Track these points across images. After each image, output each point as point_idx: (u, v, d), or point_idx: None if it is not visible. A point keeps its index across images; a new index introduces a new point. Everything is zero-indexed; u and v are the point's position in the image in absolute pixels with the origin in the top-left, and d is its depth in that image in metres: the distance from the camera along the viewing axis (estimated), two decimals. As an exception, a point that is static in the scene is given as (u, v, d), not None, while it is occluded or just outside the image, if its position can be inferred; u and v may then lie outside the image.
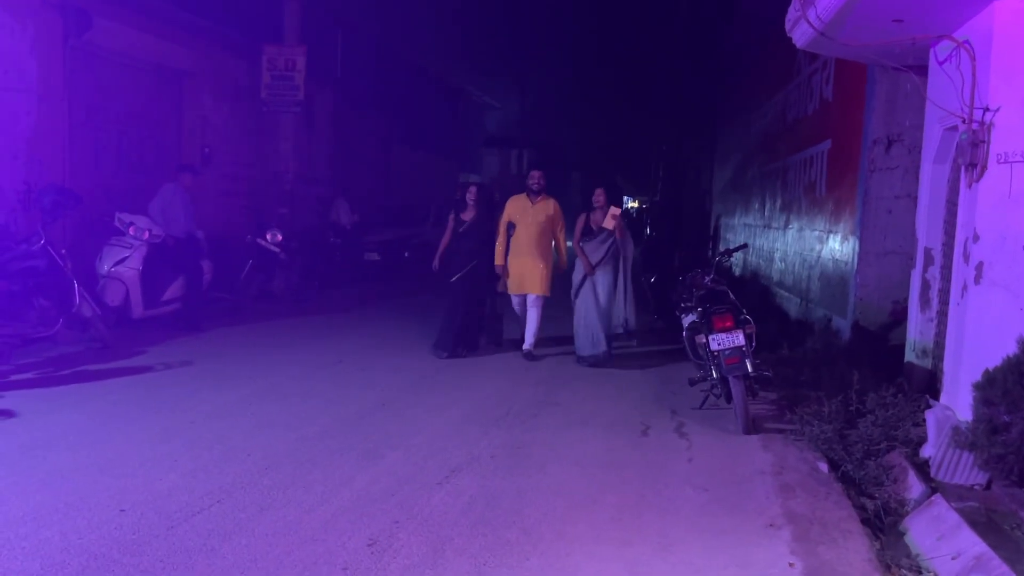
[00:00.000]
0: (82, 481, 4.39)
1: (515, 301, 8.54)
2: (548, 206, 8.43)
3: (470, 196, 8.49)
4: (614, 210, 8.16)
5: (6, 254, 7.11)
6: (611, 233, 8.10)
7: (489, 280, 8.60)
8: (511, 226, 8.38)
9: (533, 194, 8.41)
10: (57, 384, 6.51)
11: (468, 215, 8.44)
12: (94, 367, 7.10)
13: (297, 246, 12.03)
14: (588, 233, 8.23)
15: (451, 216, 8.54)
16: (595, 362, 8.05)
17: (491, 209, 8.78)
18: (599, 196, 8.25)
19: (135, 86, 10.80)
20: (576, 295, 8.21)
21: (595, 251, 8.16)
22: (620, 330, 8.36)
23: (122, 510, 4.04)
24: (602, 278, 8.15)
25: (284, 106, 13.22)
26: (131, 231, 8.56)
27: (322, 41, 15.46)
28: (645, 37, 28.58)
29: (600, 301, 8.10)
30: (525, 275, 8.31)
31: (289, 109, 13.27)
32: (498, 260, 8.42)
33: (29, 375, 6.73)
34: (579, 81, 33.86)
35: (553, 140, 33.80)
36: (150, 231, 8.67)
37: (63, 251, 7.51)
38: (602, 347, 8.07)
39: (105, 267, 8.41)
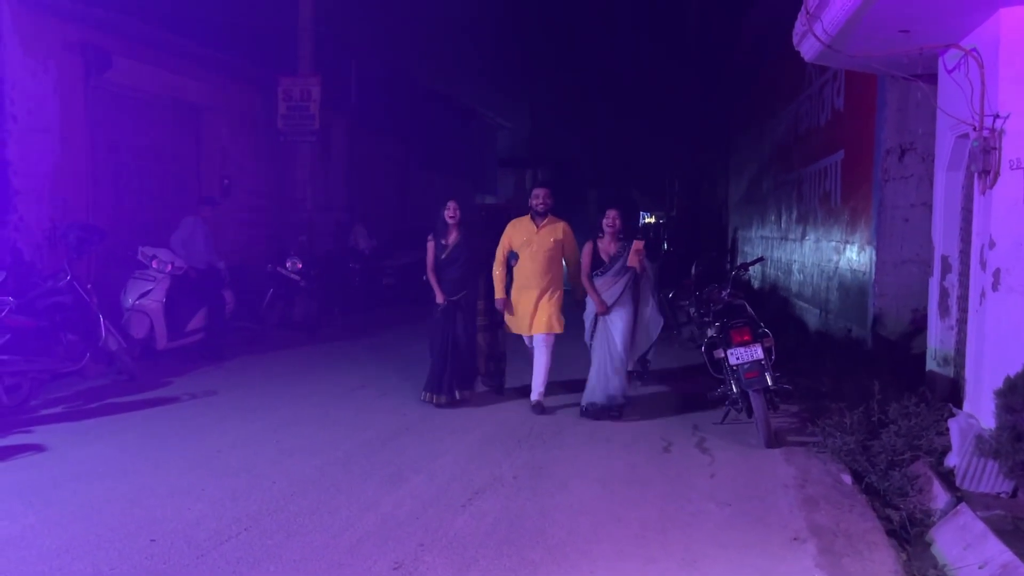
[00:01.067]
0: (113, 513, 4.47)
1: (525, 340, 7.22)
2: (556, 230, 7.01)
3: (449, 215, 7.06)
4: (638, 244, 6.86)
5: (34, 291, 7.26)
6: (626, 264, 6.79)
7: (489, 314, 7.35)
8: (513, 255, 7.04)
9: (538, 216, 7.00)
10: (86, 417, 6.62)
11: (450, 237, 7.10)
12: (121, 399, 7.21)
13: (317, 273, 12.15)
14: (599, 265, 6.83)
15: (429, 240, 7.17)
16: (601, 412, 6.72)
17: (483, 228, 7.72)
18: (612, 219, 6.83)
19: (155, 121, 11.01)
20: (591, 337, 6.93)
21: (609, 287, 6.78)
22: (632, 368, 7.22)
23: (152, 540, 4.11)
24: (618, 318, 6.76)
25: (300, 135, 13.40)
26: (154, 264, 8.70)
27: (336, 70, 15.68)
28: (657, 53, 28.70)
29: (616, 346, 6.75)
30: (531, 312, 6.96)
31: (305, 138, 13.45)
32: (500, 293, 7.05)
33: (58, 409, 6.85)
34: (592, 98, 33.99)
35: (568, 158, 33.93)
36: (173, 263, 8.81)
37: (89, 286, 7.65)
38: (617, 398, 6.76)
39: (129, 300, 8.54)
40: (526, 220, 7.09)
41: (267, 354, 9.70)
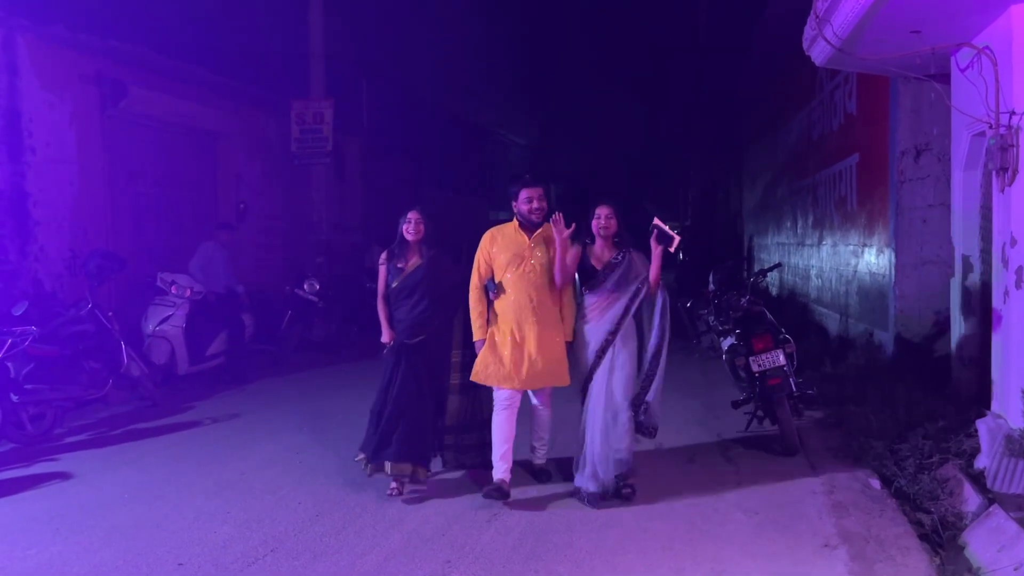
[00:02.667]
0: (140, 537, 4.48)
1: (503, 397, 5.07)
2: (553, 241, 5.04)
3: (408, 229, 5.28)
4: (657, 248, 5.02)
5: (55, 320, 7.33)
6: (629, 276, 5.04)
7: (463, 368, 5.34)
8: (491, 285, 5.13)
9: (530, 225, 5.11)
10: (110, 444, 6.65)
11: (409, 260, 5.32)
12: (145, 425, 7.24)
13: (334, 294, 12.20)
14: (589, 276, 5.09)
15: (382, 262, 5.43)
16: (602, 495, 4.91)
17: (455, 249, 5.70)
18: (604, 220, 5.08)
19: (171, 149, 11.12)
20: (586, 387, 5.05)
21: (602, 311, 5.04)
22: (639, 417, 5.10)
23: (180, 564, 4.11)
24: (624, 353, 5.00)
25: (314, 158, 13.49)
26: (173, 290, 8.77)
27: (348, 92, 15.80)
28: (669, 65, 28.73)
29: (616, 396, 4.97)
30: (526, 357, 4.98)
31: (319, 160, 13.53)
32: (479, 334, 5.11)
33: (83, 436, 6.89)
34: (603, 110, 34.06)
35: (579, 172, 33.97)
36: (192, 289, 8.87)
37: (110, 313, 7.72)
38: (611, 473, 4.93)
39: (150, 326, 8.61)
40: (511, 231, 5.15)
41: (287, 376, 9.73)
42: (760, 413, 6.32)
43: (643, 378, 5.09)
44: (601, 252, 5.15)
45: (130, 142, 10.24)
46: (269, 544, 4.36)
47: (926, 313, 7.40)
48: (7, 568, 4.10)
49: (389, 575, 3.93)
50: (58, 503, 5.11)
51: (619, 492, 4.94)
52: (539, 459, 5.41)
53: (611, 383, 4.98)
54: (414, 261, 5.34)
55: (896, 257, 7.56)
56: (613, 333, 5.01)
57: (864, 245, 8.79)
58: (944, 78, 6.11)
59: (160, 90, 10.43)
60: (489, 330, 5.11)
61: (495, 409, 5.11)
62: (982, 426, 4.96)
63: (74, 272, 8.67)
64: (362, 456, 5.26)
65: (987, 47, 5.22)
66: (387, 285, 5.42)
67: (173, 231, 11.07)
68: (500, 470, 5.01)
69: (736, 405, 6.51)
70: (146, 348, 8.47)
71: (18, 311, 7.10)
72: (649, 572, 3.92)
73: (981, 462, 4.78)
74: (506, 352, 5.02)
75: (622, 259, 5.09)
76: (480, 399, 5.39)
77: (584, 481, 4.94)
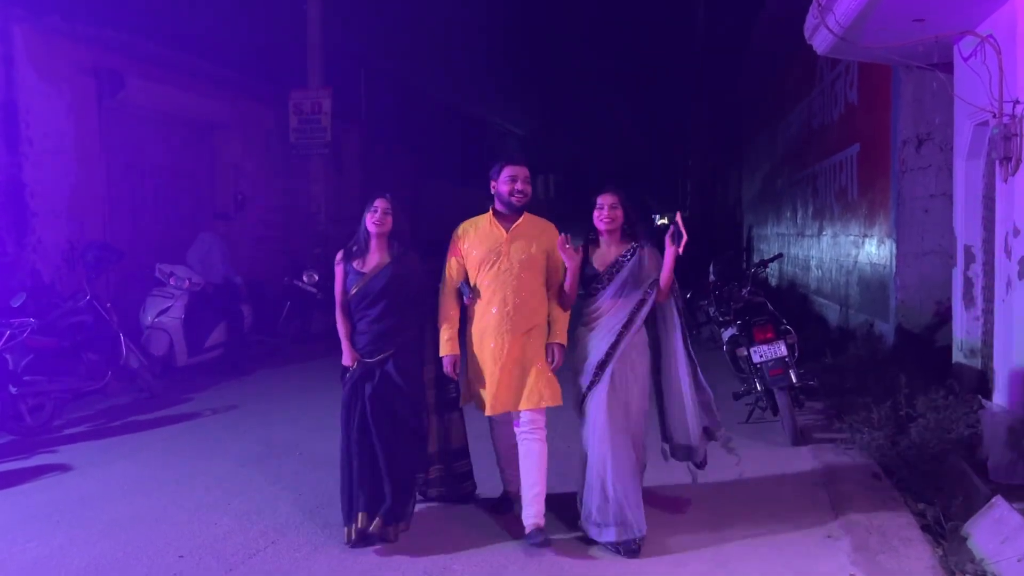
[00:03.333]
0: (140, 529, 4.47)
1: (493, 421, 4.45)
2: (539, 234, 4.33)
3: (373, 220, 4.32)
4: (671, 248, 4.16)
5: (54, 311, 7.30)
6: (637, 279, 4.24)
7: (442, 386, 4.55)
8: (465, 288, 4.36)
9: (509, 212, 4.32)
10: (109, 435, 6.63)
11: (371, 259, 4.37)
12: (144, 417, 7.22)
13: (333, 285, 12.15)
14: (590, 280, 4.29)
15: (338, 264, 4.50)
16: (627, 548, 3.98)
17: (427, 245, 5.19)
18: (609, 210, 4.25)
19: (168, 140, 11.07)
20: (583, 406, 4.21)
21: (605, 318, 4.25)
22: (668, 458, 4.56)
23: (181, 556, 4.10)
24: (631, 373, 4.20)
25: (313, 148, 13.43)
26: (172, 281, 8.73)
27: (346, 82, 15.73)
28: (668, 55, 28.67)
29: (632, 416, 4.19)
30: (506, 375, 4.22)
31: (318, 151, 13.48)
32: (446, 348, 4.33)
33: (82, 428, 6.87)
34: (601, 101, 33.99)
35: (577, 162, 33.91)
36: (190, 280, 8.84)
37: (108, 305, 7.69)
38: (632, 526, 4.01)
39: (148, 318, 8.58)
40: (485, 223, 4.36)
41: (286, 367, 9.70)
42: (761, 404, 6.31)
43: (675, 410, 4.38)
44: (606, 250, 4.30)
45: (128, 133, 10.19)
46: (269, 536, 4.34)
47: (927, 303, 7.39)
48: (7, 561, 4.09)
49: (392, 568, 3.92)
50: (57, 495, 5.09)
51: (627, 548, 3.99)
52: (531, 519, 4.14)
53: (612, 407, 4.11)
54: (379, 261, 4.32)
55: (897, 247, 7.54)
56: (613, 347, 4.15)
57: (865, 235, 8.77)
58: (947, 67, 6.08)
59: (158, 81, 10.37)
60: (470, 345, 4.32)
61: (492, 434, 4.52)
62: (984, 417, 4.94)
63: (72, 263, 8.64)
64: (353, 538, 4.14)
65: (991, 35, 5.19)
66: (345, 291, 4.39)
67: (171, 222, 11.03)
68: (512, 483, 4.45)
69: (737, 396, 6.51)
70: (144, 339, 8.44)
71: (16, 303, 7.08)
72: (652, 562, 3.90)
73: (983, 453, 4.77)
74: (485, 370, 4.24)
75: (629, 257, 4.24)
76: (458, 421, 4.65)
77: (592, 530, 4.07)
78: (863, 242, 8.84)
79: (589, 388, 4.20)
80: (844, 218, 9.73)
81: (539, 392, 4.20)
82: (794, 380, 5.96)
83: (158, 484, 5.29)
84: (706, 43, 24.22)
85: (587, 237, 4.40)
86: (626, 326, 4.20)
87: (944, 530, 4.19)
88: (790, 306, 10.96)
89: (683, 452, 4.47)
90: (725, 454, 5.68)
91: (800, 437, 5.83)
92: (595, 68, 32.72)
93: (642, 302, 4.24)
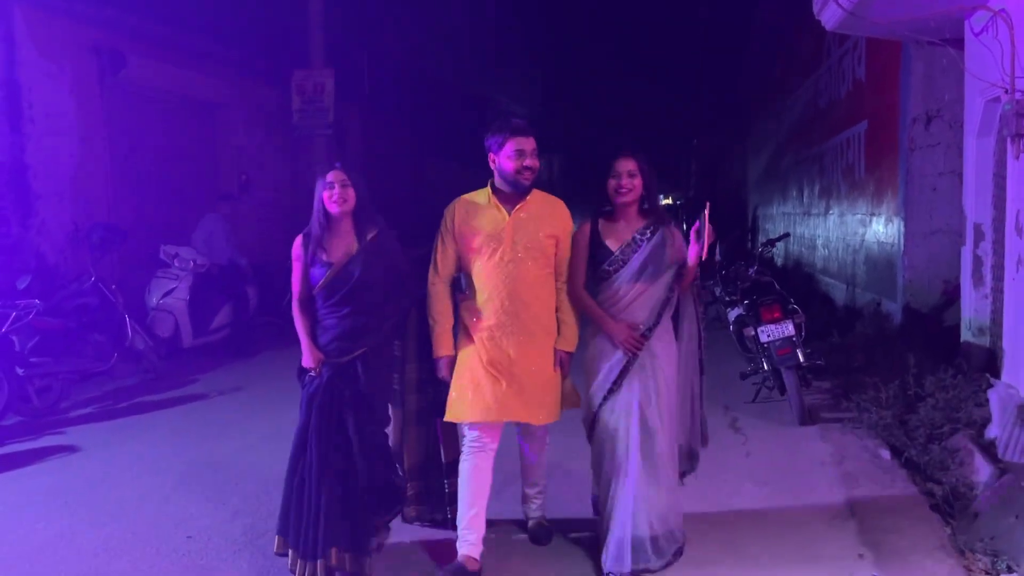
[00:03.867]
0: (148, 511, 4.47)
1: (473, 437, 3.66)
2: (548, 214, 3.71)
3: (330, 197, 3.57)
4: (696, 246, 3.54)
5: (59, 293, 7.30)
6: (660, 262, 3.60)
7: (423, 390, 3.87)
8: (461, 281, 3.83)
9: (514, 192, 3.66)
10: (116, 417, 6.64)
11: (335, 247, 3.63)
12: (150, 398, 7.23)
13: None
14: (602, 260, 3.64)
15: (296, 255, 3.73)
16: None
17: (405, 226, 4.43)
18: (627, 177, 3.58)
19: (171, 120, 11.01)
20: (595, 419, 3.64)
21: (623, 304, 3.62)
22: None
23: (189, 537, 4.10)
24: (658, 375, 3.57)
25: (316, 128, 13.35)
26: (176, 262, 8.72)
27: (348, 62, 15.62)
28: (672, 31, 28.44)
29: (655, 436, 3.53)
30: (507, 378, 3.58)
31: (321, 131, 13.39)
32: (441, 348, 3.70)
33: (89, 409, 6.88)
34: (605, 80, 33.78)
35: (582, 142, 33.74)
36: (195, 261, 8.82)
37: (113, 286, 7.68)
38: (667, 548, 3.57)
39: (154, 299, 8.57)
40: (484, 202, 3.70)
41: (291, 348, 9.60)
42: (768, 383, 6.29)
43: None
44: (621, 226, 3.65)
45: (130, 113, 10.13)
46: (276, 516, 4.33)
47: (935, 282, 7.35)
48: (15, 542, 4.10)
49: (399, 546, 3.91)
50: (65, 476, 5.10)
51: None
52: (535, 511, 3.98)
53: (644, 420, 3.50)
54: (345, 248, 3.60)
55: (905, 226, 7.49)
56: (645, 340, 3.56)
57: (872, 214, 8.71)
58: (958, 42, 6.00)
59: (159, 60, 10.30)
60: (465, 344, 3.66)
61: (463, 454, 3.69)
62: (993, 396, 4.92)
63: (76, 245, 8.61)
64: (281, 541, 3.59)
65: (1003, 10, 5.11)
66: (305, 285, 3.69)
67: (174, 203, 10.99)
68: (466, 543, 3.58)
69: (744, 376, 6.49)
70: (150, 321, 8.44)
71: (22, 284, 7.08)
72: (659, 543, 3.89)
73: (992, 432, 4.75)
74: (478, 376, 3.58)
75: (650, 236, 3.61)
76: (444, 433, 3.93)
77: (613, 566, 3.49)
78: (870, 221, 8.78)
79: (605, 399, 3.58)
80: (851, 197, 9.67)
81: (546, 403, 3.64)
82: (801, 360, 5.93)
83: (165, 465, 5.29)
84: (711, 18, 24.01)
85: (595, 210, 3.73)
86: (654, 318, 3.58)
87: (953, 509, 4.18)
88: (796, 285, 10.92)
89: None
90: (732, 434, 5.68)
91: (807, 417, 5.82)
92: (599, 46, 32.50)
93: (671, 287, 3.63)
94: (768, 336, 5.99)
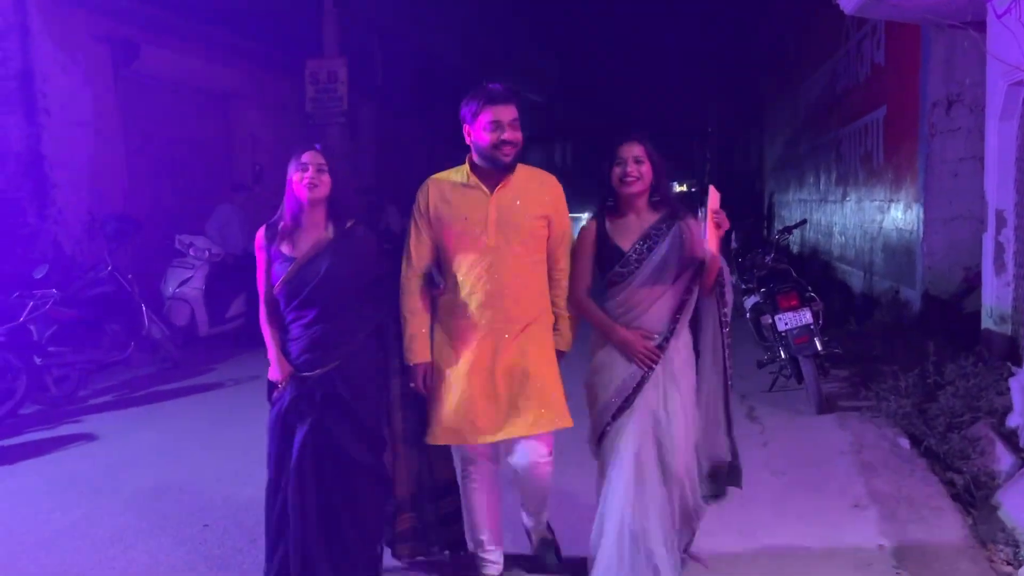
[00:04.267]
0: (164, 499, 4.49)
1: (468, 459, 3.34)
2: (536, 193, 3.23)
3: (304, 181, 3.16)
4: (715, 219, 3.11)
5: (76, 283, 7.32)
6: (677, 259, 3.14)
7: (410, 406, 3.31)
8: (435, 276, 3.23)
9: (494, 169, 3.13)
10: (133, 405, 6.67)
11: (303, 240, 3.20)
12: (167, 387, 7.26)
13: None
14: (611, 262, 3.19)
15: (259, 246, 3.28)
16: None
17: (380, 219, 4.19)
18: (632, 164, 3.13)
19: (185, 109, 11.02)
20: (600, 437, 3.21)
21: (634, 317, 3.16)
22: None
23: (205, 525, 4.11)
24: (676, 390, 3.15)
25: (329, 118, 13.34)
26: (192, 252, 8.74)
27: (362, 51, 15.59)
28: (686, 15, 28.17)
29: (674, 462, 3.11)
30: (497, 392, 3.14)
31: (334, 120, 13.39)
32: (415, 354, 3.21)
33: (106, 398, 6.92)
34: (618, 67, 33.56)
35: (595, 131, 33.55)
36: (210, 251, 8.84)
37: (129, 276, 7.70)
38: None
39: (170, 289, 8.60)
40: (460, 180, 3.20)
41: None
42: (786, 372, 6.24)
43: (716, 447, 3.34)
44: (631, 221, 3.20)
45: (144, 103, 10.14)
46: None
47: (955, 269, 7.26)
48: (32, 531, 4.12)
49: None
50: (83, 465, 5.13)
51: None
52: (537, 526, 3.48)
53: (660, 440, 3.09)
54: (315, 241, 3.16)
55: (925, 212, 7.40)
56: (660, 350, 3.12)
57: (891, 200, 8.61)
58: (980, 25, 5.90)
59: (173, 50, 10.30)
60: (441, 351, 3.19)
61: (460, 476, 3.36)
62: (1015, 384, 4.85)
63: (92, 235, 8.65)
64: None
65: (1027, -9, 5.01)
66: (270, 284, 3.22)
67: (189, 193, 11.02)
68: (488, 563, 3.35)
69: (761, 365, 6.44)
70: (166, 310, 8.47)
71: (39, 274, 7.10)
72: (676, 533, 3.87)
73: (1013, 421, 4.69)
74: (462, 386, 3.11)
75: (666, 231, 3.16)
76: (438, 453, 3.36)
77: None
78: (889, 207, 8.68)
79: (614, 418, 3.14)
80: (869, 183, 9.56)
81: (548, 414, 3.13)
82: (819, 348, 5.87)
83: (181, 453, 5.32)
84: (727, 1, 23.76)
85: (600, 205, 3.29)
86: (671, 324, 3.13)
87: (974, 499, 4.13)
88: (813, 273, 10.84)
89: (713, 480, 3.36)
90: (749, 423, 5.63)
91: (825, 405, 5.77)
92: (612, 32, 32.25)
93: (690, 289, 3.16)
94: (785, 324, 5.94)
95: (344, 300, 3.14)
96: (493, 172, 3.13)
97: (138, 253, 9.36)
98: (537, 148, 31.05)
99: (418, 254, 3.23)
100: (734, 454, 3.36)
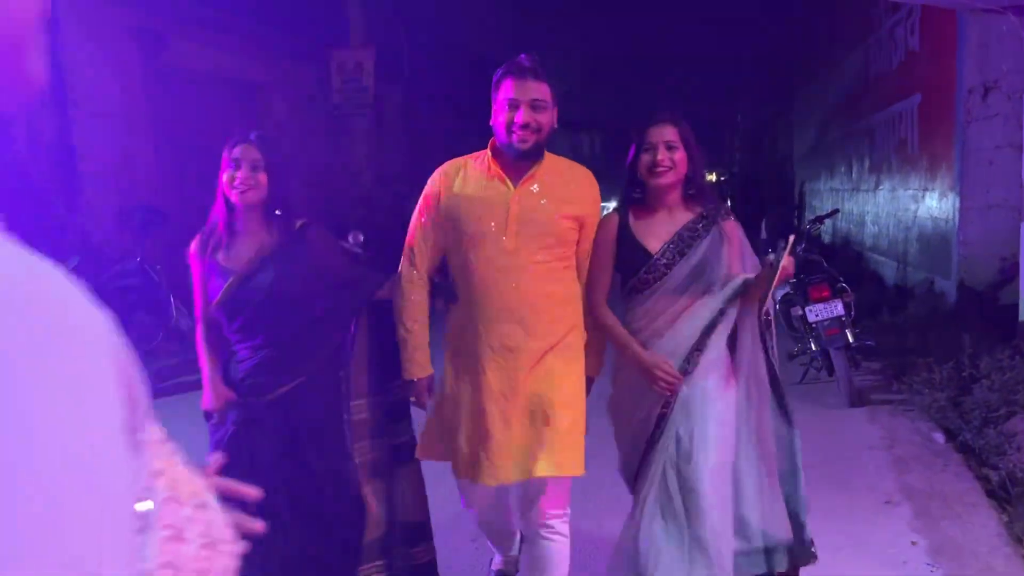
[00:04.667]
0: (191, 489, 4.51)
1: (479, 500, 2.85)
2: (565, 188, 2.65)
3: (235, 181, 2.74)
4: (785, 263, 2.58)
5: (104, 274, 7.40)
6: (715, 265, 2.64)
7: (387, 432, 2.81)
8: (444, 278, 2.73)
9: (515, 159, 2.56)
10: (162, 396, 6.72)
11: (239, 248, 2.71)
12: (194, 377, 7.24)
13: (376, 247, 12.19)
14: (635, 267, 2.67)
15: (192, 257, 2.85)
16: None
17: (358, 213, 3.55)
18: (665, 150, 2.58)
19: (212, 101, 11.08)
20: (639, 473, 2.70)
21: (664, 328, 2.65)
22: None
23: (230, 516, 4.12)
24: (708, 414, 2.61)
25: (356, 108, 13.37)
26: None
27: (388, 40, 15.59)
28: (717, 2, 27.89)
29: (704, 500, 2.57)
30: (516, 424, 2.55)
31: (361, 111, 13.41)
32: (417, 368, 2.70)
33: (135, 389, 6.97)
34: (648, 54, 33.29)
35: (624, 120, 33.36)
36: (237, 242, 8.89)
37: (158, 267, 7.76)
38: None
39: (197, 280, 8.65)
40: (480, 169, 2.67)
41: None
42: (816, 364, 6.14)
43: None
44: (661, 218, 2.70)
45: (171, 94, 10.21)
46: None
47: (991, 260, 7.09)
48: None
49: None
50: (111, 455, 5.17)
51: None
52: None
53: (693, 472, 2.57)
54: (256, 250, 2.66)
55: (960, 201, 7.23)
56: (686, 374, 2.60)
57: (925, 189, 8.44)
58: (1018, 10, 5.75)
59: (200, 42, 10.35)
60: (451, 370, 2.69)
61: (479, 515, 2.97)
62: (1054, 378, 4.73)
63: (121, 226, 8.74)
64: None
65: (1069, -27, 4.86)
66: (207, 301, 2.76)
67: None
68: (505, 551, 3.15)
69: (791, 356, 6.33)
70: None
71: (71, 265, 7.18)
72: (703, 528, 3.81)
73: (1052, 415, 4.58)
74: (480, 414, 2.58)
75: (702, 232, 2.66)
76: (416, 486, 2.88)
77: None
78: (923, 196, 8.51)
79: (649, 446, 2.63)
80: (903, 171, 9.38)
81: (563, 448, 2.56)
82: (851, 340, 5.77)
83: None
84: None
85: (623, 198, 2.78)
86: (705, 337, 2.61)
87: (1010, 496, 4.02)
88: (844, 263, 10.67)
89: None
90: (778, 416, 5.55)
91: (857, 398, 5.66)
92: (641, 20, 31.99)
93: (719, 321, 2.63)
94: (816, 316, 5.84)
95: (297, 318, 2.59)
96: (516, 162, 2.58)
97: (166, 244, 9.44)
98: (563, 137, 30.93)
99: (422, 253, 2.70)
100: (799, 531, 2.80)
